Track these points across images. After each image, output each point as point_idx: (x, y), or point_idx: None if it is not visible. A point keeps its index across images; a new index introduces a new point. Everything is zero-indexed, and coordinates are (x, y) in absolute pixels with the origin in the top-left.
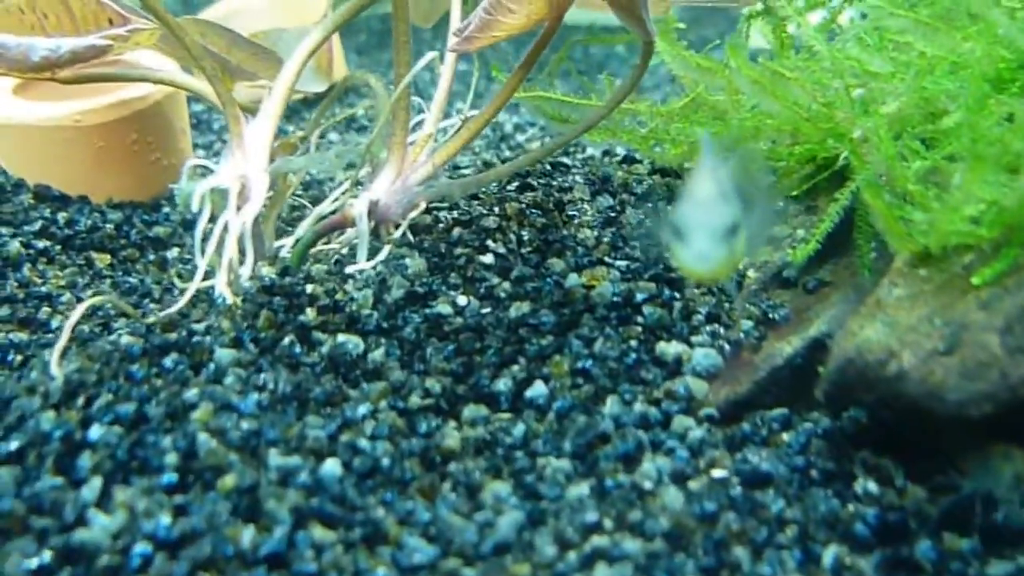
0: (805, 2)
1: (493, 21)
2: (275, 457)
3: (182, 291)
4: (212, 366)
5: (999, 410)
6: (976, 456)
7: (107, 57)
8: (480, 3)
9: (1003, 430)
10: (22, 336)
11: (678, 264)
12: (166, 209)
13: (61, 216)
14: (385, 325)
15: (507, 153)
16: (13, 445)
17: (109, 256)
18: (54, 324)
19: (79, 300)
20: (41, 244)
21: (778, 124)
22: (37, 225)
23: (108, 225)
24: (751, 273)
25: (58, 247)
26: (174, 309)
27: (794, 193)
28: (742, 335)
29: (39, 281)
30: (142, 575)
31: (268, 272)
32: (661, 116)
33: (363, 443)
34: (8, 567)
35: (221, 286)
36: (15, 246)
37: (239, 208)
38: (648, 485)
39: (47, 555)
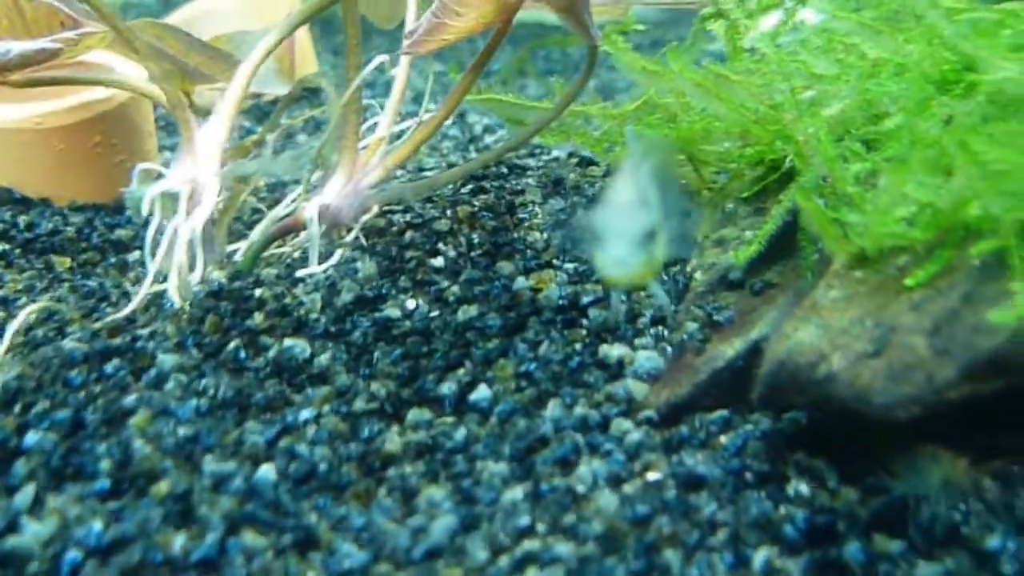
0: (757, 5)
1: (442, 24)
2: (210, 463)
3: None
4: (153, 371)
5: (926, 412)
6: (906, 458)
7: (64, 60)
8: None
9: (932, 432)
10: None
11: (598, 269)
12: (129, 212)
13: (22, 219)
14: (333, 329)
15: (474, 155)
16: None
17: (69, 259)
18: (8, 329)
19: (35, 304)
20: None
21: (727, 126)
22: None
23: (69, 228)
24: (698, 275)
25: (17, 250)
26: (121, 314)
27: (744, 195)
28: (686, 337)
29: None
30: None
31: (219, 276)
32: (614, 119)
33: (302, 448)
34: None
35: (171, 291)
36: None
37: (189, 212)
38: (583, 489)
39: None
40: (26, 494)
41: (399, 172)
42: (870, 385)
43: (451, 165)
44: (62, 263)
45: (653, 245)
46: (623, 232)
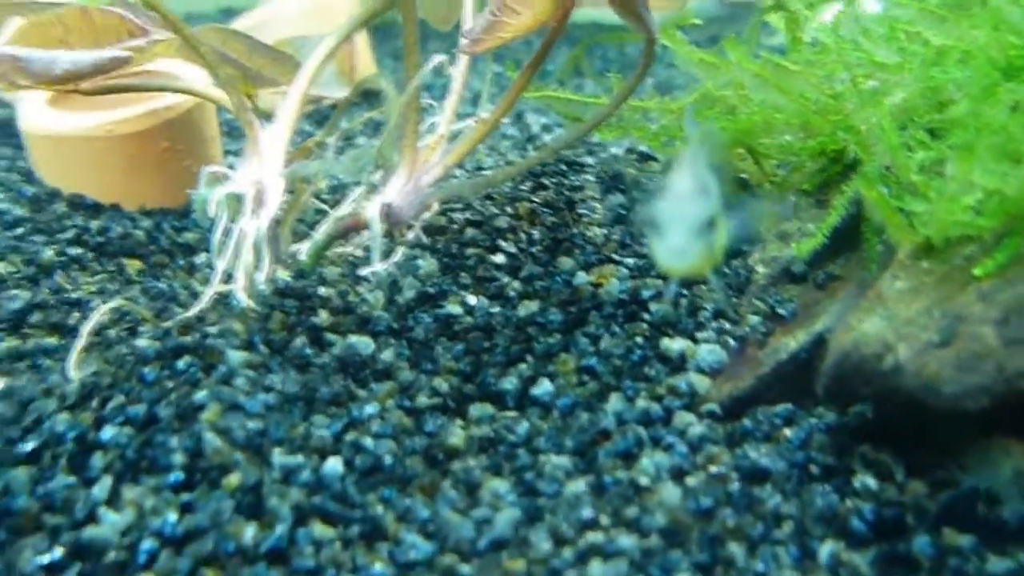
0: None
1: (499, 23)
2: (279, 456)
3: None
4: (223, 368)
5: (996, 403)
6: (976, 450)
7: (133, 68)
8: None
9: (1003, 423)
10: (51, 341)
11: (656, 260)
12: (196, 214)
13: (94, 224)
14: (396, 326)
15: (532, 153)
16: (29, 446)
17: (140, 262)
18: (83, 328)
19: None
20: (74, 251)
21: (787, 118)
22: (70, 233)
23: (139, 232)
24: (760, 268)
25: (90, 254)
26: (191, 313)
27: (805, 187)
28: (748, 331)
29: (70, 287)
30: (147, 571)
31: (284, 275)
32: (672, 113)
33: (367, 442)
34: (20, 563)
35: (237, 290)
36: (48, 254)
37: (255, 213)
38: (645, 481)
39: (58, 552)
40: (104, 486)
41: (458, 171)
42: (938, 375)
43: (509, 163)
44: (133, 266)
45: (712, 235)
46: (682, 221)
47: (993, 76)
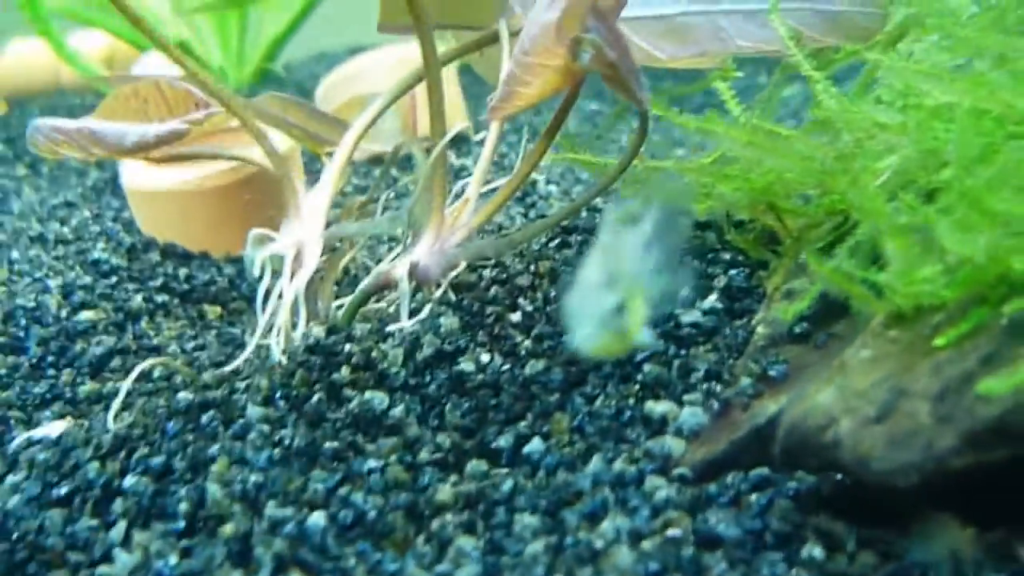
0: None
1: (513, 92)
2: (271, 508)
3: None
4: (241, 422)
5: (926, 480)
6: (919, 525)
7: (206, 132)
8: None
9: (943, 499)
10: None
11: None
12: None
13: (182, 271)
14: (412, 382)
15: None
16: (64, 490)
17: (220, 308)
18: (155, 374)
19: (183, 351)
20: (161, 298)
21: (799, 178)
22: (160, 280)
23: (222, 279)
24: (760, 329)
25: (176, 300)
26: (228, 369)
27: (820, 245)
28: (734, 393)
29: (153, 333)
30: None
31: (317, 331)
32: (690, 172)
33: (356, 496)
34: None
35: (273, 347)
36: (138, 300)
37: (294, 273)
38: (602, 544)
39: None
40: (119, 530)
41: (488, 229)
42: (871, 451)
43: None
44: (213, 312)
45: (623, 320)
46: (589, 312)
47: (978, 139)
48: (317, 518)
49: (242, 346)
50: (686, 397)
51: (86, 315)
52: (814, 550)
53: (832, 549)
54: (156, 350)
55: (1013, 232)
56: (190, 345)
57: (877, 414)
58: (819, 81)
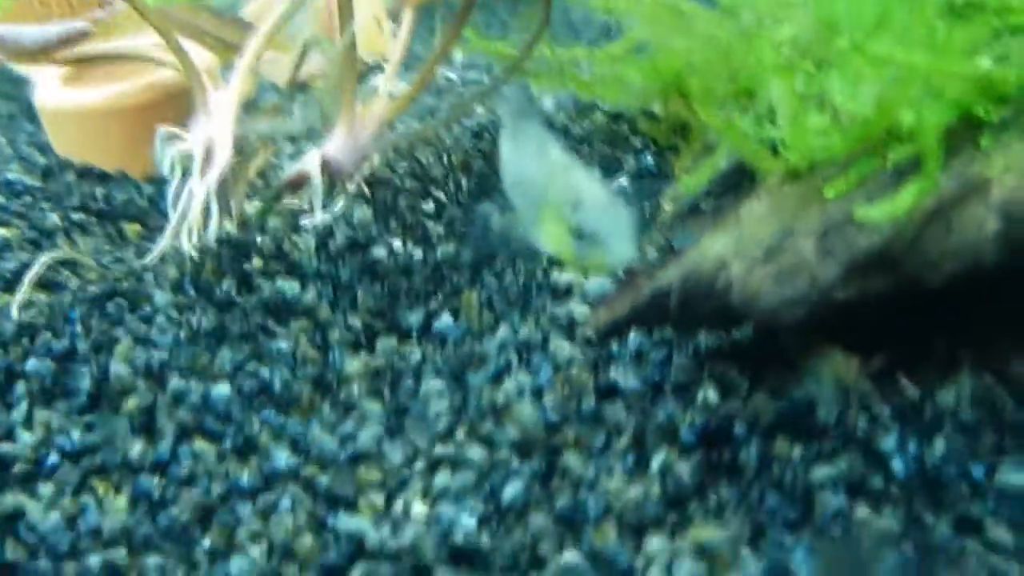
0: None
1: None
2: (176, 382)
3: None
4: (148, 308)
5: (812, 315)
6: (807, 361)
7: (110, 38)
8: None
9: (830, 333)
10: (41, 296)
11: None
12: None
13: (99, 191)
14: (324, 270)
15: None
16: None
17: (139, 226)
18: (72, 285)
19: (100, 265)
20: (77, 217)
21: (706, 60)
22: (76, 200)
23: (141, 198)
24: (667, 206)
25: (93, 219)
26: (138, 264)
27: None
28: (640, 264)
29: (69, 249)
30: (48, 480)
31: (229, 228)
32: (600, 60)
33: (263, 370)
34: None
35: (183, 242)
36: (53, 219)
37: (205, 171)
38: (505, 400)
39: None
40: (21, 410)
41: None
42: (759, 289)
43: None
44: (132, 230)
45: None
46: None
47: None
48: (222, 389)
49: (162, 259)
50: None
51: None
52: (709, 393)
53: (726, 393)
54: (72, 264)
55: (897, 81)
56: (107, 259)
57: (765, 254)
58: None
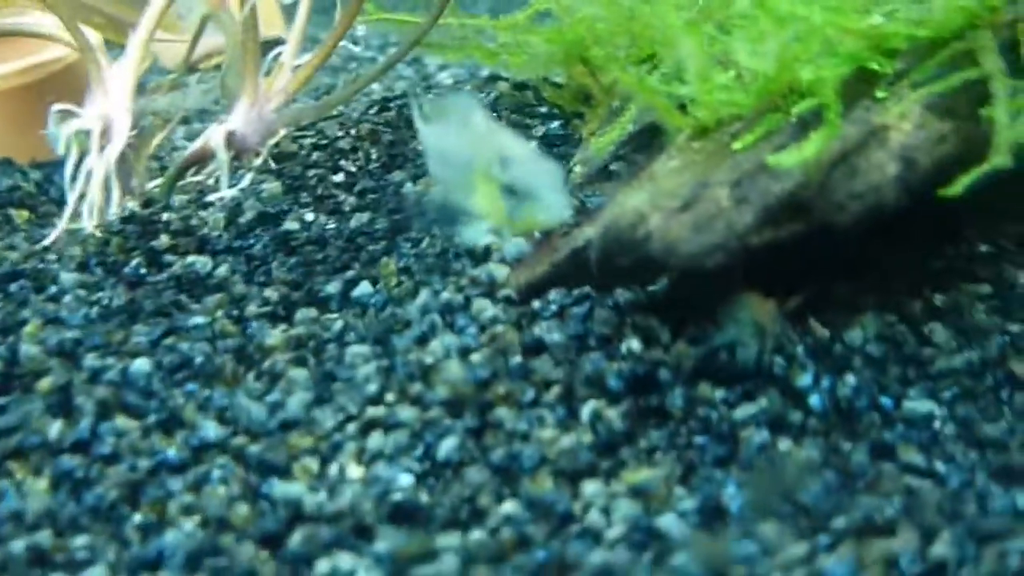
0: None
1: None
2: (91, 360)
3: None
4: (54, 288)
5: (730, 260)
6: (726, 307)
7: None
8: None
9: (747, 278)
10: None
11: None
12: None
13: None
14: (235, 245)
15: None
16: None
17: (28, 212)
18: None
19: None
20: None
21: (609, 28)
22: None
23: (28, 184)
24: (578, 168)
25: None
26: (39, 246)
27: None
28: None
29: None
30: None
31: (132, 206)
32: (503, 28)
33: (183, 345)
34: None
35: (84, 221)
36: None
37: (103, 148)
38: (433, 360)
39: None
40: None
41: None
42: (678, 237)
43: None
44: (21, 216)
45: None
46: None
47: None
48: (141, 365)
49: (45, 249)
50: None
51: None
52: (632, 344)
53: (649, 343)
54: None
55: (797, 38)
56: None
57: (682, 205)
58: None
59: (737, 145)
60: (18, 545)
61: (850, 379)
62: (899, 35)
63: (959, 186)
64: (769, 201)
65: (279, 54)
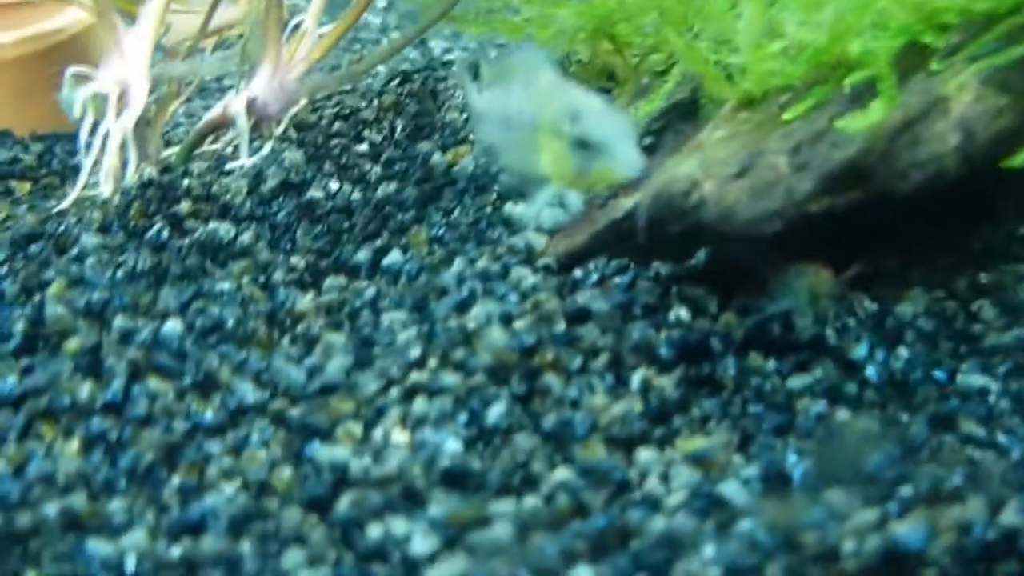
0: None
1: None
2: (121, 320)
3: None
4: (76, 250)
5: (788, 226)
6: (778, 277)
7: None
8: None
9: (800, 248)
10: None
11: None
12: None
13: None
14: (258, 212)
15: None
16: None
17: (30, 184)
18: None
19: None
20: None
21: (639, 2)
22: None
23: (29, 156)
24: None
25: None
26: (56, 209)
27: (660, 69)
28: (591, 196)
29: None
30: None
31: (151, 172)
32: (532, 3)
33: (213, 309)
34: None
35: (102, 184)
36: None
37: (120, 113)
38: (474, 326)
39: None
40: None
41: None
42: (735, 203)
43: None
44: (22, 188)
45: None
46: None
47: None
48: (172, 326)
49: (60, 213)
50: (543, 199)
51: None
52: (680, 312)
53: (696, 313)
54: None
55: (851, 10)
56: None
57: (738, 171)
58: None
59: (788, 115)
60: (51, 508)
61: (903, 352)
62: (952, 9)
63: (1022, 158)
64: (830, 168)
65: (300, 23)
